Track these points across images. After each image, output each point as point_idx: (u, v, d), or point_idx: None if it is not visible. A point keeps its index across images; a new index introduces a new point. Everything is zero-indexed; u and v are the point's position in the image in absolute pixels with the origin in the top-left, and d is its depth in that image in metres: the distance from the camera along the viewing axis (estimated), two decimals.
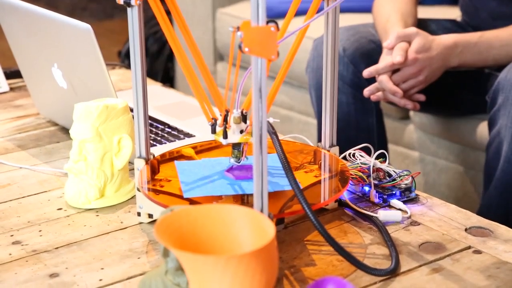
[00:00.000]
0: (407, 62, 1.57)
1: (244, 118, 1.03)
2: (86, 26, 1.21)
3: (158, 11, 1.01)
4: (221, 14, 2.56)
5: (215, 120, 1.04)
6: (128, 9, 1.03)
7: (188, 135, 1.42)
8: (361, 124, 1.77)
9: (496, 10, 1.70)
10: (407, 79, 1.60)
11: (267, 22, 0.84)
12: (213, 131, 1.04)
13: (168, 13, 1.04)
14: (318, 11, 1.04)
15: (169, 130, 1.44)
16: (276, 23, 0.85)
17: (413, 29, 1.59)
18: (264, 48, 0.84)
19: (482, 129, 1.80)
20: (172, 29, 1.02)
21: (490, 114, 1.56)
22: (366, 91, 1.64)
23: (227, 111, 1.03)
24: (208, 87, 1.05)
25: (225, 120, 1.03)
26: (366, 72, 1.61)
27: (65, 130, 1.43)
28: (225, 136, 1.02)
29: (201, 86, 1.05)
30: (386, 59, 1.59)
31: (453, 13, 2.01)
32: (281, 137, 1.05)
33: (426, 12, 1.97)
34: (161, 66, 2.88)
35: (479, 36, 1.59)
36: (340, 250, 0.93)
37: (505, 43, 1.58)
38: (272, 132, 1.01)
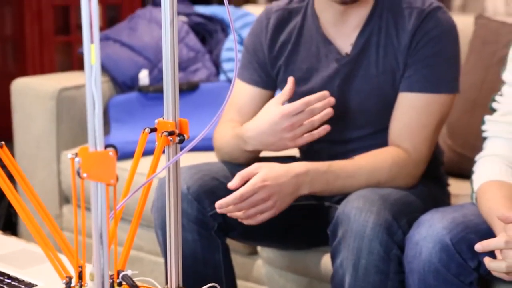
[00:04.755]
0: (255, 189, 1.60)
1: None
2: None
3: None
4: (66, 156, 2.53)
5: (70, 278, 1.00)
6: None
7: (30, 285, 1.36)
8: (208, 260, 1.77)
9: (331, 151, 1.80)
10: (255, 204, 1.62)
11: (105, 147, 0.84)
12: None
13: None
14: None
15: (9, 281, 1.37)
16: (115, 147, 0.84)
17: (255, 165, 1.63)
18: (103, 173, 0.83)
19: (327, 260, 1.85)
20: (14, 190, 0.99)
21: (332, 247, 1.61)
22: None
23: (81, 267, 0.98)
24: (59, 244, 1.00)
25: (80, 277, 0.98)
26: (218, 205, 1.61)
27: None
28: None
29: (50, 243, 1.01)
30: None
31: (292, 150, 2.09)
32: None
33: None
34: (3, 212, 2.78)
35: (328, 165, 1.66)
36: None
37: (350, 174, 1.66)
38: (133, 285, 0.98)
